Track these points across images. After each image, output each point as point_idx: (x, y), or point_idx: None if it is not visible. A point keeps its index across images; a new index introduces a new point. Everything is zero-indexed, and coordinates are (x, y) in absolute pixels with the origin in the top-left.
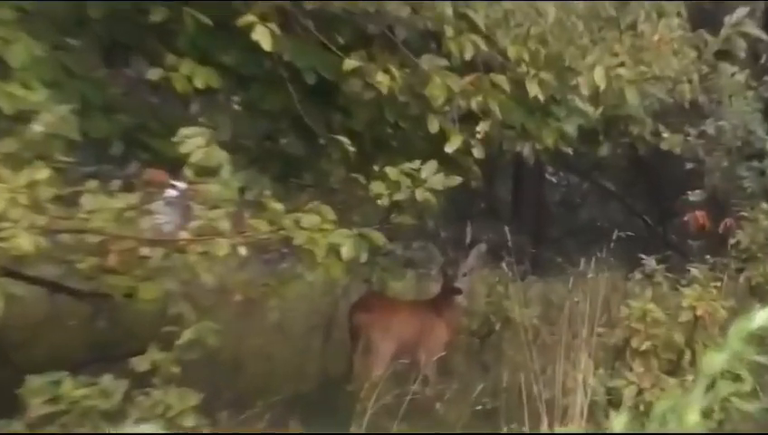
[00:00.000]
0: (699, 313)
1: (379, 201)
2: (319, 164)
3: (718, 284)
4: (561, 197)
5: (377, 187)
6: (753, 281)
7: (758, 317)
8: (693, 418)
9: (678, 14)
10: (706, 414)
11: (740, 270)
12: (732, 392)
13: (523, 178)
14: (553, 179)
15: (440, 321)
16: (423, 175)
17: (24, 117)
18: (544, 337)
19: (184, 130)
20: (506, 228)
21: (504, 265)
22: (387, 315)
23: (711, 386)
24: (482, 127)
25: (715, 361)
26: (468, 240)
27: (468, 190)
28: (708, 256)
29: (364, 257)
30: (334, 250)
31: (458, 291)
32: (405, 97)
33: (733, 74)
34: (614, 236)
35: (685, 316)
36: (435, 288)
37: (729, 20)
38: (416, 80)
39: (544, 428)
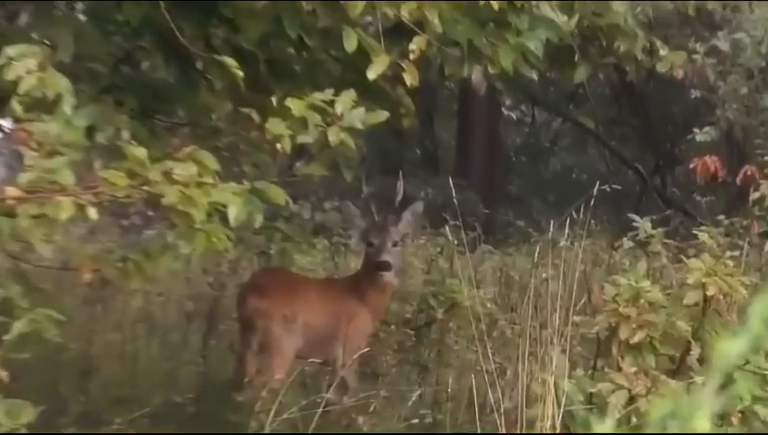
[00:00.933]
0: (710, 292)
1: (278, 145)
2: (195, 96)
3: (736, 253)
4: (524, 140)
5: (275, 126)
6: None
7: None
8: (702, 424)
9: None
10: (720, 420)
11: (765, 235)
12: (755, 394)
13: (471, 115)
14: (513, 116)
15: (362, 306)
16: (337, 109)
17: None
18: (502, 327)
19: (9, 50)
20: (450, 182)
21: (447, 230)
22: (290, 300)
23: (726, 383)
24: (416, 44)
25: (730, 350)
26: (399, 198)
27: (398, 131)
28: (722, 217)
29: (259, 221)
30: (218, 212)
31: (386, 266)
32: (311, 4)
33: None
34: (595, 192)
35: (691, 297)
36: (355, 263)
37: None
38: None
39: None
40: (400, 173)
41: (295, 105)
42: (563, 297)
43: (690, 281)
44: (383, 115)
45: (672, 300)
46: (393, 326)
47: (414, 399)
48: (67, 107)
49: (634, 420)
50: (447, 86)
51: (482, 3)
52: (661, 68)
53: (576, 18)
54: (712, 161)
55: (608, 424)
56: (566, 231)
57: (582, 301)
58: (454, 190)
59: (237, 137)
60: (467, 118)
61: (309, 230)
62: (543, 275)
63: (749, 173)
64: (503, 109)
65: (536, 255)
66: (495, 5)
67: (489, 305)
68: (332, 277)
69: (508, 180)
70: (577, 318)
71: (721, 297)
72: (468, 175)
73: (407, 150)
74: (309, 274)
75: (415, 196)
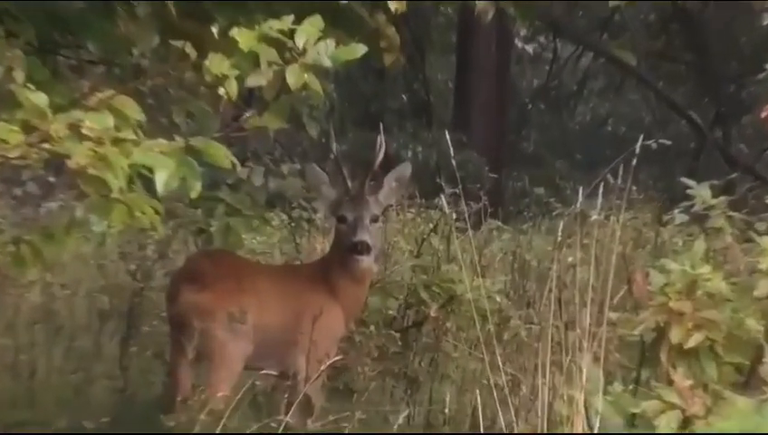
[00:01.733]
0: None
1: (221, 90)
2: (111, 25)
3: None
4: (543, 82)
5: (216, 64)
6: None
7: None
8: None
9: None
10: None
11: None
12: None
13: (474, 50)
14: (528, 50)
15: (332, 301)
16: (298, 42)
17: None
18: (516, 328)
19: None
20: (447, 137)
21: (442, 201)
22: (237, 293)
23: None
24: None
25: None
26: (380, 159)
27: (379, 71)
28: None
29: (196, 190)
30: (142, 178)
31: (364, 248)
32: None
33: None
34: (637, 149)
35: (764, 287)
36: (323, 244)
37: None
38: None
39: None
40: (381, 126)
41: (243, 37)
42: (596, 289)
43: (763, 266)
44: (359, 50)
45: (739, 291)
46: (372, 327)
47: (400, 422)
48: None
49: None
50: (443, 12)
51: None
52: None
53: None
54: None
55: None
56: (599, 201)
57: (621, 293)
58: (452, 148)
59: (167, 79)
60: (468, 54)
61: (262, 201)
62: (569, 260)
63: None
64: (515, 41)
65: (559, 232)
66: None
67: (498, 299)
68: (292, 263)
69: (522, 135)
70: (614, 316)
71: None
72: (470, 128)
73: (390, 97)
74: (262, 258)
75: (400, 156)
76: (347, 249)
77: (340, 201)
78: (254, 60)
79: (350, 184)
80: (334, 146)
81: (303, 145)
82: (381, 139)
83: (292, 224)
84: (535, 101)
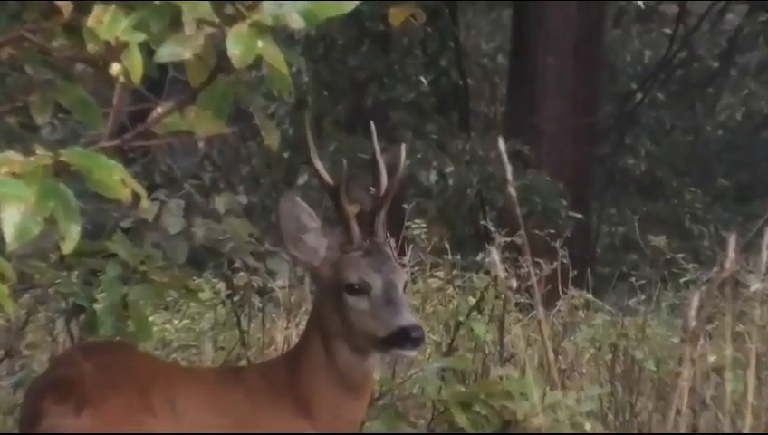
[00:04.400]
0: None
1: (113, 68)
2: None
3: None
4: (663, 56)
5: (107, 23)
6: None
7: None
8: None
9: None
10: None
11: None
12: None
13: (540, 4)
14: (638, 2)
15: (304, 424)
16: None
17: None
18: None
19: None
20: (500, 147)
21: (492, 257)
22: (138, 414)
23: None
24: None
25: None
26: (399, 173)
27: (382, 39)
28: None
29: (72, 240)
30: None
31: (419, 337)
32: None
33: None
34: None
35: None
36: (286, 333)
37: None
38: None
39: None
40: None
41: None
42: (756, 409)
43: None
44: (347, 5)
45: None
46: None
47: None
48: None
49: None
50: None
51: None
52: None
53: None
54: None
55: None
56: (763, 259)
57: None
58: (507, 167)
59: (19, 49)
60: (530, 8)
61: (181, 258)
62: (711, 360)
63: None
64: None
65: (692, 312)
66: None
67: (589, 427)
68: (235, 365)
69: (625, 145)
70: None
71: None
72: (536, 133)
73: (398, 80)
74: (181, 357)
75: (415, 178)
76: (380, 341)
77: (346, 256)
78: (171, 16)
79: (355, 226)
80: (318, 162)
81: (253, 163)
82: (403, 150)
83: (234, 298)
84: (648, 87)
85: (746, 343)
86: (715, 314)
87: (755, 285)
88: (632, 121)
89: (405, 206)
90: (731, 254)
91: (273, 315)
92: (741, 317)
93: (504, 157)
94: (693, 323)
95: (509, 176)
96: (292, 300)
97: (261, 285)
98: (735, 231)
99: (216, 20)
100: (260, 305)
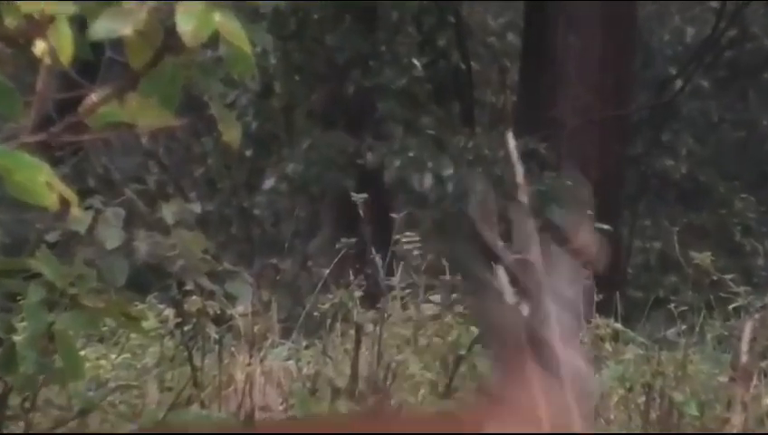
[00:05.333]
0: None
1: (37, 47)
2: None
3: None
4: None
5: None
6: None
7: None
8: None
9: None
10: None
11: None
12: None
13: None
14: None
15: None
16: None
17: None
18: None
19: None
20: (509, 143)
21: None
22: None
23: None
24: None
25: None
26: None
27: (365, 14)
28: None
29: None
30: None
31: None
32: None
33: None
34: None
35: None
36: (248, 368)
37: None
38: None
39: None
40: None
41: None
42: None
43: None
44: None
45: None
46: None
47: None
48: None
49: None
50: None
51: None
52: None
53: None
54: None
55: None
56: None
57: None
58: (518, 168)
59: None
60: None
61: (121, 280)
62: (766, 403)
63: None
64: None
65: (744, 345)
66: None
67: None
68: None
69: (662, 143)
70: None
71: None
72: (549, 126)
73: (386, 63)
74: (126, 402)
75: (407, 183)
76: None
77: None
78: None
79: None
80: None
81: (208, 164)
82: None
83: (185, 327)
84: (690, 73)
85: None
86: None
87: None
88: (671, 114)
89: (393, 216)
90: None
91: (233, 348)
92: None
93: (515, 156)
94: (744, 359)
95: (520, 180)
96: (256, 330)
97: (218, 312)
98: None
99: None
100: (216, 337)
